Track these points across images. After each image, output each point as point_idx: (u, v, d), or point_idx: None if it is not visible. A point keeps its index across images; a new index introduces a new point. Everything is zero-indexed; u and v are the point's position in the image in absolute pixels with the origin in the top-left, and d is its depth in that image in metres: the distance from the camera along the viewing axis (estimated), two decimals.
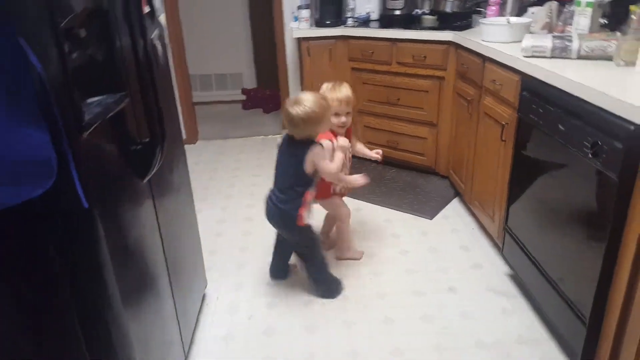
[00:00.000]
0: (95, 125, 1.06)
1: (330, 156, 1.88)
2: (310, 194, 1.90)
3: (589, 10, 1.85)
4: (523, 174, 1.89)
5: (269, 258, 2.35)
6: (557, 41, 1.78)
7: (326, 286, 2.08)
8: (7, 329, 1.05)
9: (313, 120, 1.75)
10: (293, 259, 2.23)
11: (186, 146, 3.85)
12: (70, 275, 1.05)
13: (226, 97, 5.14)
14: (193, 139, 4.10)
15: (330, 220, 2.41)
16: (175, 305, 1.59)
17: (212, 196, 3.09)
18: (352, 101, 2.02)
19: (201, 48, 4.82)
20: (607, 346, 1.41)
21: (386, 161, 3.30)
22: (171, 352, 1.55)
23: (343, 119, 1.98)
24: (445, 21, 2.97)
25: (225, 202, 3.00)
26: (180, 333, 1.65)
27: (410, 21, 3.14)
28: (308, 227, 1.95)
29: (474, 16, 2.86)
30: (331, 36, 3.19)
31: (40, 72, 0.88)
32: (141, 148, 1.36)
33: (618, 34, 1.70)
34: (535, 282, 1.81)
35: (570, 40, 1.76)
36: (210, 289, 2.16)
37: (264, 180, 3.21)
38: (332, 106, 1.91)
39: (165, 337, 1.50)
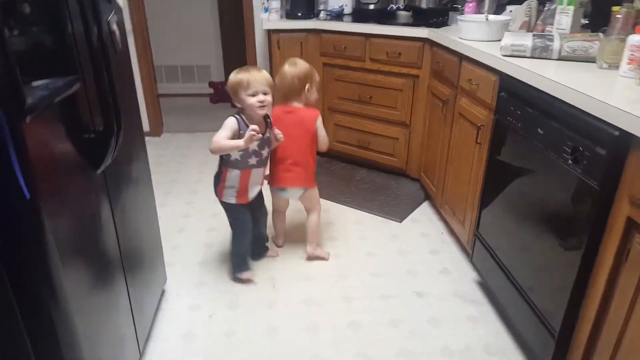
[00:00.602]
0: (40, 109, 0.95)
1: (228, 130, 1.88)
2: (227, 172, 1.94)
3: (571, 9, 1.82)
4: (497, 178, 1.84)
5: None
6: (538, 40, 1.75)
7: (233, 264, 2.14)
8: None
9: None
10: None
11: (151, 139, 3.83)
12: (13, 269, 0.97)
13: (193, 89, 5.02)
14: (157, 131, 3.95)
15: (279, 215, 2.32)
16: (130, 299, 1.53)
17: (177, 190, 2.98)
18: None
19: (167, 38, 4.70)
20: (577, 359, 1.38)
21: (357, 161, 3.25)
22: (125, 348, 1.49)
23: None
24: (421, 17, 2.93)
25: (191, 196, 2.89)
26: (135, 329, 1.58)
27: (384, 16, 3.08)
28: (227, 205, 2.01)
29: (451, 13, 2.82)
30: (302, 29, 3.09)
31: None
32: (95, 137, 1.26)
33: (601, 34, 1.67)
34: (504, 290, 1.78)
35: (551, 40, 1.73)
36: (171, 285, 2.07)
37: None
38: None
39: (119, 332, 1.44)
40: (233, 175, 1.94)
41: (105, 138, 1.26)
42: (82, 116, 1.23)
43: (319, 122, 2.11)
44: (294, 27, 3.09)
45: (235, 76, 1.88)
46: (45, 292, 1.02)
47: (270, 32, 3.16)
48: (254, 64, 3.76)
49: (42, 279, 1.01)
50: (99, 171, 1.29)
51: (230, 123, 1.88)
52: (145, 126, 3.85)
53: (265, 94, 1.87)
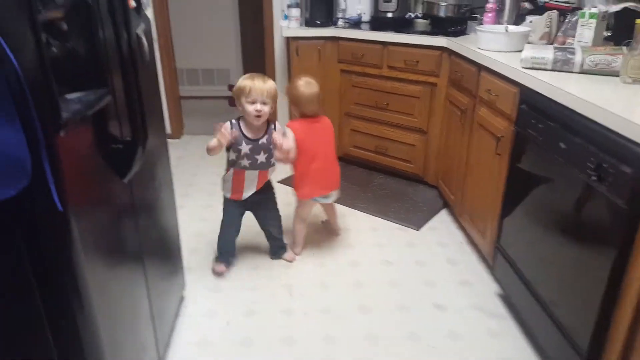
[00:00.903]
0: (74, 123, 0.98)
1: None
2: (228, 169, 2.09)
3: (593, 22, 1.81)
4: (518, 190, 1.83)
5: (249, 260, 2.33)
6: (559, 53, 1.74)
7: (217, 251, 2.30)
8: None
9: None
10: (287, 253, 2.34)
11: (171, 141, 3.88)
12: (42, 276, 1.00)
13: (213, 92, 5.09)
14: (178, 133, 4.03)
15: (303, 223, 2.41)
16: (151, 307, 1.55)
17: (195, 193, 3.01)
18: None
19: (189, 43, 4.79)
20: None
21: (374, 167, 3.26)
22: (145, 355, 1.51)
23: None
24: (439, 26, 2.92)
25: (209, 199, 2.91)
26: (155, 336, 1.60)
27: (402, 24, 3.09)
28: (223, 198, 2.19)
29: (469, 22, 2.82)
30: (321, 37, 3.11)
31: (14, 65, 0.80)
32: (122, 147, 1.29)
33: (624, 48, 1.64)
34: (527, 305, 1.75)
35: (572, 53, 1.72)
36: (189, 291, 2.09)
37: None
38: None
39: (140, 339, 1.46)
40: (230, 172, 2.08)
41: (132, 148, 1.28)
42: (111, 127, 1.25)
43: None
44: (313, 35, 3.11)
45: (240, 82, 1.99)
46: (73, 299, 1.05)
47: (289, 39, 3.18)
48: (272, 69, 3.79)
49: (69, 287, 1.03)
50: (125, 180, 1.32)
51: (225, 125, 2.01)
52: (167, 128, 3.92)
53: (264, 103, 1.94)
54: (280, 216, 2.29)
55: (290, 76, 3.43)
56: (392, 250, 2.41)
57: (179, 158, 3.54)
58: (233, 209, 2.18)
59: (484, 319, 1.95)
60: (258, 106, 1.93)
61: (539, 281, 1.69)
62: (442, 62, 2.69)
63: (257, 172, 2.07)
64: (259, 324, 1.92)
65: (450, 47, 2.58)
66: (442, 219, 2.73)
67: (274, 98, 1.98)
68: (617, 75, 1.64)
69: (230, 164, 2.08)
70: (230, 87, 4.92)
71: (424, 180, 3.04)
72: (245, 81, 1.96)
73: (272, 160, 2.08)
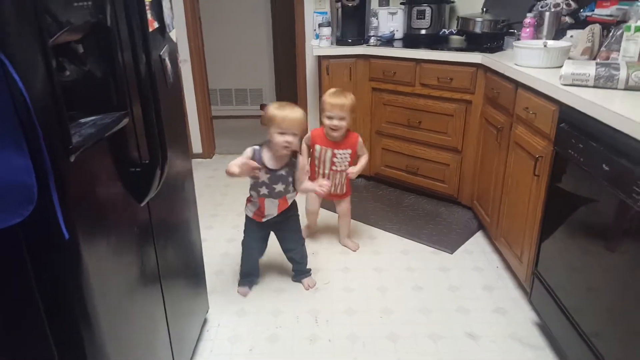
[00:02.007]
0: (85, 147, 0.96)
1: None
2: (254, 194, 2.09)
3: (639, 35, 1.69)
4: (558, 213, 1.71)
5: (275, 283, 2.28)
6: (602, 69, 1.63)
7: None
8: None
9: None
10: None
11: (202, 160, 3.92)
12: (51, 306, 0.97)
13: (246, 112, 5.15)
14: (210, 153, 4.05)
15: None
16: (169, 331, 1.51)
17: (223, 213, 3.00)
18: (346, 108, 2.26)
19: (223, 63, 4.90)
20: None
21: (405, 187, 3.17)
22: None
23: (335, 122, 2.25)
24: (474, 42, 2.83)
25: (237, 219, 2.87)
26: None
27: (436, 41, 3.01)
28: (245, 216, 2.19)
29: (506, 38, 2.71)
30: (352, 54, 3.07)
31: (22, 90, 0.78)
32: (140, 170, 1.27)
33: None
34: (566, 334, 1.63)
35: (617, 69, 1.60)
36: (212, 314, 2.05)
37: None
38: (325, 108, 2.26)
39: None
40: (253, 194, 2.09)
41: (150, 171, 1.26)
42: (129, 149, 1.24)
43: None
44: (344, 53, 3.08)
45: (272, 111, 1.98)
46: (83, 330, 1.01)
47: (320, 58, 3.16)
48: (303, 89, 3.79)
49: (79, 316, 1.00)
50: (142, 204, 1.30)
51: (247, 152, 2.01)
52: (198, 148, 3.95)
53: (293, 135, 1.94)
54: (302, 239, 2.25)
55: (321, 95, 3.41)
56: (423, 274, 2.31)
57: (209, 178, 3.56)
58: (254, 230, 2.16)
59: (520, 350, 1.83)
60: (289, 138, 1.92)
61: (580, 310, 1.56)
62: (477, 78, 2.60)
63: (276, 200, 2.06)
64: (283, 351, 1.86)
65: (486, 64, 2.48)
66: (478, 241, 2.60)
67: (302, 129, 1.98)
68: None
69: (251, 187, 2.08)
70: (262, 106, 4.97)
71: (457, 200, 2.92)
72: (276, 111, 1.95)
73: (290, 188, 2.05)
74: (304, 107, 3.83)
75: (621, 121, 1.33)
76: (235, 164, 1.95)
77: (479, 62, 2.54)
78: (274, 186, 2.01)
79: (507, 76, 2.18)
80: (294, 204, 2.16)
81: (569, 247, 1.65)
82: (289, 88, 4.52)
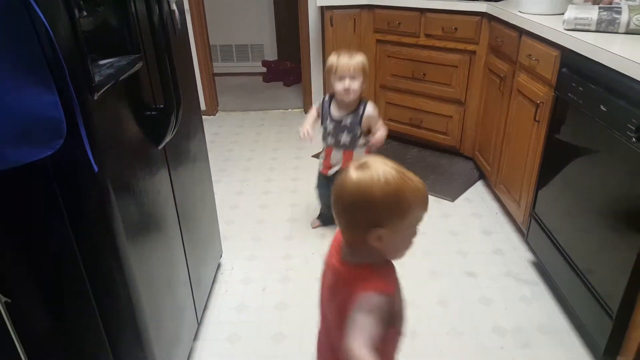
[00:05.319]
0: (107, 87, 1.02)
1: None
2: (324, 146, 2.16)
3: None
4: (556, 157, 1.78)
5: (284, 231, 2.36)
6: (604, 13, 1.65)
7: None
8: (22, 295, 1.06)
9: None
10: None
11: (206, 117, 3.94)
12: (81, 239, 1.04)
13: (247, 68, 5.09)
14: (213, 110, 4.06)
15: None
16: (189, 271, 1.60)
17: (230, 168, 3.06)
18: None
19: (222, 18, 4.77)
20: (635, 340, 1.34)
21: (408, 140, 3.21)
22: (184, 317, 1.57)
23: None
24: None
25: (244, 174, 2.97)
26: (194, 299, 1.66)
27: None
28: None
29: None
30: (356, 5, 3.05)
31: (47, 29, 0.83)
32: (156, 114, 1.32)
33: None
34: (560, 271, 1.73)
35: (619, 13, 1.63)
36: (225, 259, 2.15)
37: (283, 154, 3.19)
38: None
39: (179, 302, 1.52)
40: (323, 144, 2.15)
41: (166, 115, 1.31)
42: (144, 94, 1.29)
43: None
44: (348, 3, 3.05)
45: (328, 60, 1.98)
46: (112, 263, 1.09)
47: (323, 9, 3.14)
48: (306, 42, 3.76)
49: (108, 251, 1.07)
50: (160, 147, 1.35)
51: (318, 103, 2.10)
52: (201, 105, 3.97)
53: (352, 78, 1.92)
54: None
55: (325, 49, 3.40)
56: (426, 221, 2.37)
57: (214, 134, 3.60)
58: (323, 183, 2.23)
59: (516, 286, 1.94)
60: (347, 83, 1.93)
61: (574, 248, 1.65)
62: (482, 28, 2.60)
63: (340, 152, 2.08)
64: (294, 290, 1.96)
65: (491, 12, 2.48)
66: (478, 190, 2.68)
67: (363, 72, 1.95)
68: None
69: (322, 137, 2.12)
70: (264, 62, 4.93)
71: (459, 152, 2.98)
72: (331, 59, 1.97)
73: (358, 142, 2.07)
74: (306, 62, 3.83)
75: (619, 62, 1.37)
76: (310, 114, 2.09)
77: (484, 10, 2.53)
78: (340, 136, 2.04)
79: (511, 24, 2.19)
80: None
81: (565, 189, 1.72)
82: (291, 42, 4.47)
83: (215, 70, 4.23)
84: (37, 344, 1.13)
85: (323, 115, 2.07)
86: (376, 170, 0.83)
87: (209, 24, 3.96)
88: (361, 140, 2.07)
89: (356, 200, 0.84)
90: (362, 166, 0.85)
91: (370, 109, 2.02)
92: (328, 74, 1.98)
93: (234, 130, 3.73)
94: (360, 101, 2.02)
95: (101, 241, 1.06)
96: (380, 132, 2.04)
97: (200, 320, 1.77)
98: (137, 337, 1.20)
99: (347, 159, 2.09)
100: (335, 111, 2.03)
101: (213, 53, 4.53)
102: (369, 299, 0.84)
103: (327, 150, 2.11)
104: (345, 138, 2.04)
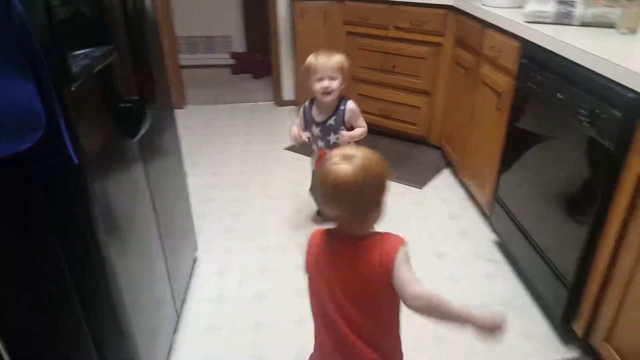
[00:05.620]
0: (84, 78, 1.02)
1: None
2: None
3: None
4: (517, 142, 1.88)
5: (259, 223, 2.38)
6: (561, 6, 1.76)
7: None
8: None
9: None
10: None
11: (175, 111, 3.86)
12: (61, 233, 1.04)
13: (214, 60, 5.01)
14: (181, 103, 4.00)
15: None
16: (166, 265, 1.60)
17: (202, 161, 3.05)
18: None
19: (188, 9, 4.63)
20: (588, 306, 1.46)
21: (379, 131, 3.28)
22: (163, 310, 1.57)
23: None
24: None
25: (216, 167, 2.97)
26: (172, 292, 1.66)
27: None
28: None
29: None
30: None
31: (23, 19, 0.83)
32: (130, 106, 1.32)
33: (622, 0, 1.66)
34: (521, 249, 1.84)
35: (573, 6, 1.74)
36: (201, 252, 2.16)
37: (256, 147, 3.20)
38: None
39: (158, 295, 1.51)
40: (313, 147, 2.15)
41: (140, 107, 1.30)
42: (118, 85, 1.28)
43: None
44: None
45: (306, 61, 1.97)
46: (93, 257, 1.09)
47: (294, 1, 3.16)
48: (276, 34, 3.76)
49: (89, 245, 1.07)
50: (135, 139, 1.35)
51: (300, 112, 2.10)
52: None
53: (331, 79, 1.92)
54: None
55: (295, 41, 3.41)
56: (396, 208, 2.47)
57: (184, 128, 3.50)
58: (314, 179, 2.24)
59: (482, 265, 2.05)
60: (325, 83, 1.92)
61: (534, 228, 1.76)
62: (448, 21, 2.68)
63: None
64: (271, 280, 1.99)
65: (456, 5, 2.57)
66: (445, 177, 2.79)
67: (342, 71, 1.95)
68: (615, 27, 1.66)
69: (312, 142, 2.11)
70: (233, 54, 4.89)
71: (427, 141, 3.07)
72: (309, 59, 1.96)
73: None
74: (276, 54, 3.83)
75: (574, 52, 1.46)
76: (296, 124, 2.07)
77: (450, 4, 2.62)
78: (328, 138, 2.04)
79: (475, 16, 2.28)
80: None
81: (525, 172, 1.83)
82: (260, 34, 4.45)
83: (181, 63, 4.16)
84: (18, 336, 1.13)
85: (306, 122, 2.07)
86: (364, 157, 0.97)
87: (174, 15, 3.89)
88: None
89: (363, 187, 0.95)
90: (348, 157, 0.96)
91: (350, 104, 2.03)
92: (306, 74, 1.98)
93: (204, 123, 3.71)
94: (341, 100, 2.02)
95: (81, 234, 1.06)
96: (358, 130, 2.05)
97: (180, 313, 1.78)
98: (118, 330, 1.20)
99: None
100: (317, 115, 2.04)
101: (178, 45, 4.45)
102: (402, 250, 1.00)
103: (320, 152, 2.10)
104: (333, 138, 2.05)
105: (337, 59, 1.94)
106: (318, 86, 1.94)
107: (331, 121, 2.02)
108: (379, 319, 1.07)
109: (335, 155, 0.98)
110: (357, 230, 1.03)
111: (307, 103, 2.07)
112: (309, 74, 1.97)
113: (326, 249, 1.07)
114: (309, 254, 1.10)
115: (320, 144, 2.08)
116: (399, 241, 1.02)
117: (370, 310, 1.04)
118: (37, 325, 1.14)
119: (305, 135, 2.04)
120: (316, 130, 2.05)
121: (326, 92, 1.93)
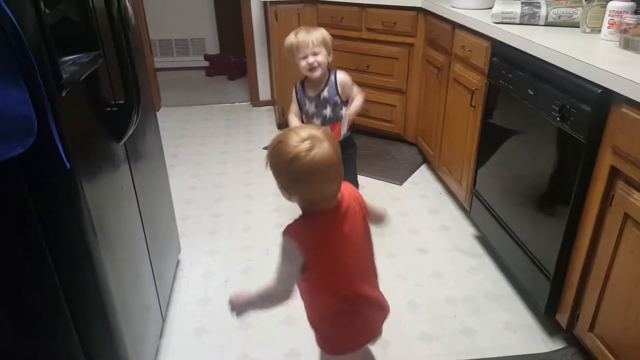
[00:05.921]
0: (75, 82, 1.03)
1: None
2: None
3: None
4: (491, 139, 1.95)
5: (241, 223, 2.39)
6: (526, 7, 1.84)
7: None
8: None
9: None
10: None
11: None
12: (51, 238, 1.04)
13: (188, 63, 5.03)
14: (156, 105, 3.98)
15: None
16: (152, 268, 1.60)
17: (180, 164, 3.05)
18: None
19: (160, 11, 4.65)
20: (570, 297, 1.52)
21: (356, 129, 3.32)
22: (150, 315, 1.57)
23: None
24: None
25: (195, 169, 2.97)
26: (158, 297, 1.67)
27: None
28: None
29: None
30: (300, 0, 3.13)
31: (17, 28, 0.84)
32: (117, 110, 1.34)
33: (584, 1, 1.76)
34: (502, 242, 1.91)
35: (538, 7, 1.83)
36: (184, 255, 2.15)
37: (234, 148, 3.21)
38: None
39: (144, 299, 1.52)
40: None
41: (126, 111, 1.32)
42: (104, 90, 1.30)
43: None
44: None
45: (286, 40, 1.93)
46: (84, 261, 1.09)
47: (267, 4, 3.19)
48: (250, 36, 3.78)
49: (80, 249, 1.08)
50: (121, 143, 1.37)
51: (292, 95, 2.04)
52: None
53: (314, 54, 1.88)
54: (357, 183, 2.18)
55: (270, 43, 3.44)
56: (377, 204, 2.51)
57: (160, 130, 3.54)
58: None
59: (463, 258, 2.11)
60: (310, 59, 1.88)
61: (513, 220, 1.83)
62: (418, 22, 2.76)
63: (337, 124, 2.01)
64: (257, 279, 2.00)
65: (426, 7, 2.64)
66: (422, 173, 2.87)
67: (325, 44, 1.90)
68: (578, 27, 1.76)
69: (307, 122, 2.05)
70: (207, 56, 4.89)
71: (404, 138, 3.15)
72: (289, 39, 1.92)
73: (339, 111, 2.01)
74: (251, 55, 3.85)
75: (542, 51, 1.55)
76: (292, 110, 2.04)
77: (420, 5, 2.69)
78: (323, 112, 1.99)
79: (445, 18, 2.35)
80: (351, 141, 2.11)
81: (501, 166, 1.90)
82: (234, 36, 4.46)
83: (155, 66, 4.15)
84: (6, 342, 1.12)
85: (300, 101, 2.04)
86: (319, 131, 1.03)
87: (146, 17, 3.88)
88: (343, 110, 2.03)
89: (338, 153, 1.03)
90: (314, 139, 1.00)
91: (340, 74, 2.00)
92: (290, 54, 1.93)
93: (180, 125, 3.70)
94: (330, 72, 1.99)
95: (71, 239, 1.06)
96: (356, 101, 2.00)
97: (165, 317, 1.77)
98: (109, 336, 1.21)
99: (335, 131, 2.03)
100: (310, 92, 2.01)
101: (152, 48, 4.44)
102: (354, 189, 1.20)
103: (332, 126, 2.03)
104: (328, 112, 2.00)
105: (317, 33, 1.91)
106: (303, 63, 1.91)
107: (325, 93, 1.98)
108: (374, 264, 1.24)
109: (303, 142, 0.99)
110: (337, 195, 1.09)
111: (297, 84, 2.04)
112: (292, 54, 1.93)
113: (332, 227, 1.11)
114: (307, 247, 1.13)
115: (316, 121, 2.02)
116: (349, 185, 1.16)
117: (372, 258, 1.22)
118: (26, 331, 1.13)
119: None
120: (311, 107, 2.00)
121: (312, 67, 1.90)
